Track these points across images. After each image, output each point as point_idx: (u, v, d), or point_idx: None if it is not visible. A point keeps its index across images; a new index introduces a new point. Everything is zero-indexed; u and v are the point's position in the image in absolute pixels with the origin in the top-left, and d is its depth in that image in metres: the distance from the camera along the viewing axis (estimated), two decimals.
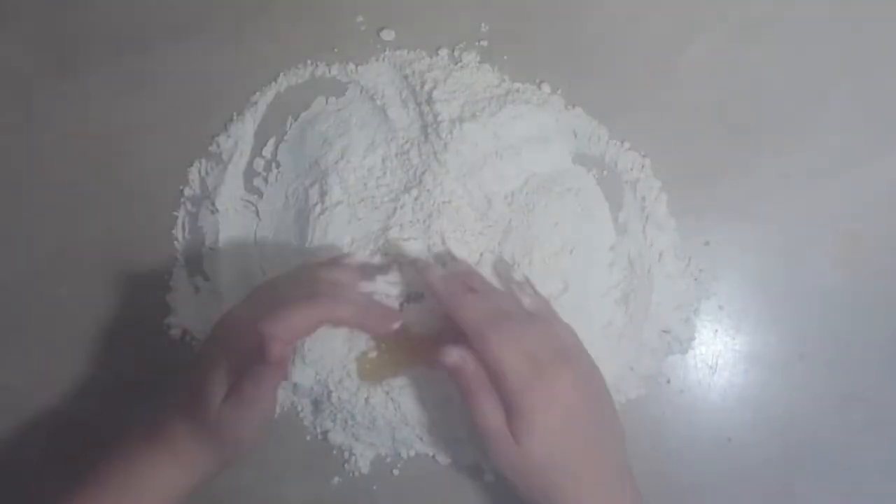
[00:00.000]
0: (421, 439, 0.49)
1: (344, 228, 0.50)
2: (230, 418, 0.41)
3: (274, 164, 0.55)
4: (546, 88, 0.54)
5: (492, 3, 0.56)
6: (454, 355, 0.40)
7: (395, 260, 0.48)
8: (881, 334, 0.50)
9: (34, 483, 0.51)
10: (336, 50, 0.57)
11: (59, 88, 0.57)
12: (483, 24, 0.55)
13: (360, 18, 0.56)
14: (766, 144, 0.53)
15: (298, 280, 0.45)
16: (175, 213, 0.55)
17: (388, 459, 0.50)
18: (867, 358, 0.50)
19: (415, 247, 0.48)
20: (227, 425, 0.41)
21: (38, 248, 0.55)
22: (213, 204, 0.54)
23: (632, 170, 0.53)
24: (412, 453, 0.50)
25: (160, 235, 0.54)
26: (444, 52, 0.56)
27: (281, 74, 0.56)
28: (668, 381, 0.50)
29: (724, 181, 0.52)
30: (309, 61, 0.56)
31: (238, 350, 0.42)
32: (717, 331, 0.51)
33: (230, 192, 0.54)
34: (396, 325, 0.43)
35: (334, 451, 0.50)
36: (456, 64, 0.55)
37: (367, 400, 0.47)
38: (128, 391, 0.53)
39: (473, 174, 0.50)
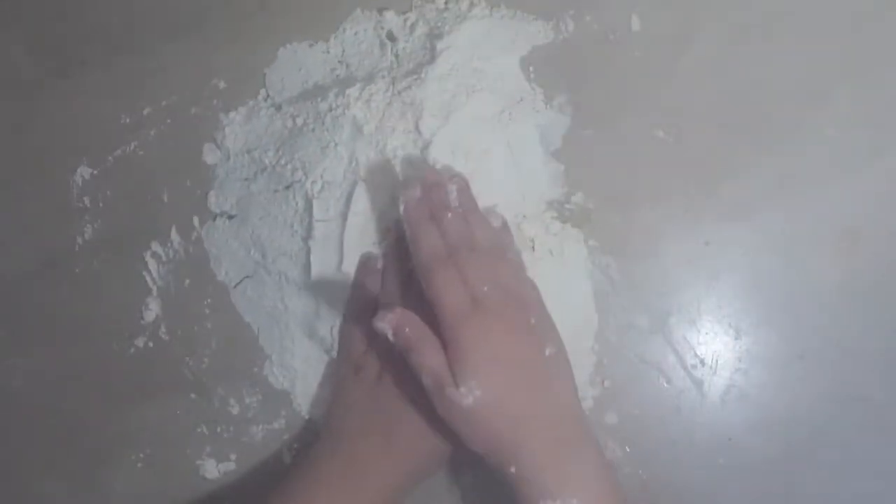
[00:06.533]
0: None
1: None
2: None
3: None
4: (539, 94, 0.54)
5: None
6: (385, 319, 0.40)
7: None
8: (881, 334, 0.50)
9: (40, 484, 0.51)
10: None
11: (59, 88, 0.57)
12: None
13: None
14: (766, 144, 0.53)
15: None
16: (177, 213, 0.55)
17: None
18: (867, 358, 0.50)
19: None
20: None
21: (39, 247, 0.55)
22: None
23: None
24: None
25: (163, 234, 0.54)
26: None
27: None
28: (668, 381, 0.50)
29: (723, 181, 0.52)
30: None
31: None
32: (716, 331, 0.51)
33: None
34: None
35: None
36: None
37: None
38: (129, 391, 0.53)
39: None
